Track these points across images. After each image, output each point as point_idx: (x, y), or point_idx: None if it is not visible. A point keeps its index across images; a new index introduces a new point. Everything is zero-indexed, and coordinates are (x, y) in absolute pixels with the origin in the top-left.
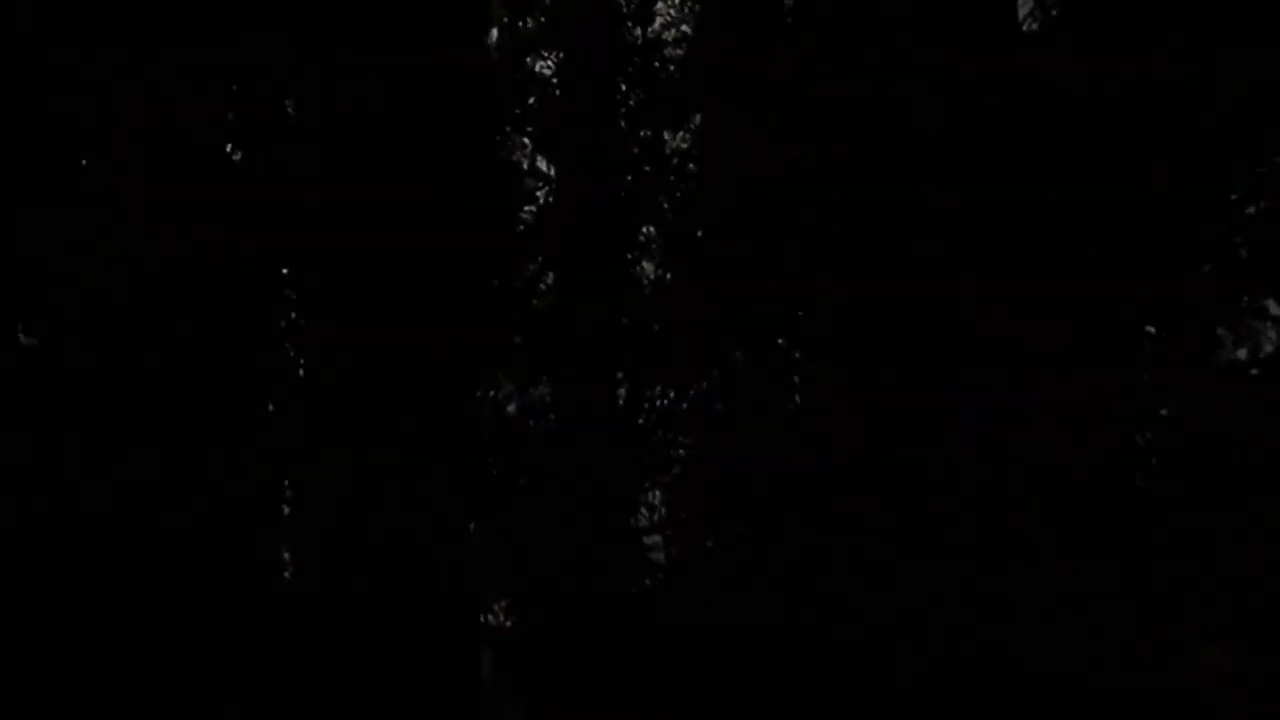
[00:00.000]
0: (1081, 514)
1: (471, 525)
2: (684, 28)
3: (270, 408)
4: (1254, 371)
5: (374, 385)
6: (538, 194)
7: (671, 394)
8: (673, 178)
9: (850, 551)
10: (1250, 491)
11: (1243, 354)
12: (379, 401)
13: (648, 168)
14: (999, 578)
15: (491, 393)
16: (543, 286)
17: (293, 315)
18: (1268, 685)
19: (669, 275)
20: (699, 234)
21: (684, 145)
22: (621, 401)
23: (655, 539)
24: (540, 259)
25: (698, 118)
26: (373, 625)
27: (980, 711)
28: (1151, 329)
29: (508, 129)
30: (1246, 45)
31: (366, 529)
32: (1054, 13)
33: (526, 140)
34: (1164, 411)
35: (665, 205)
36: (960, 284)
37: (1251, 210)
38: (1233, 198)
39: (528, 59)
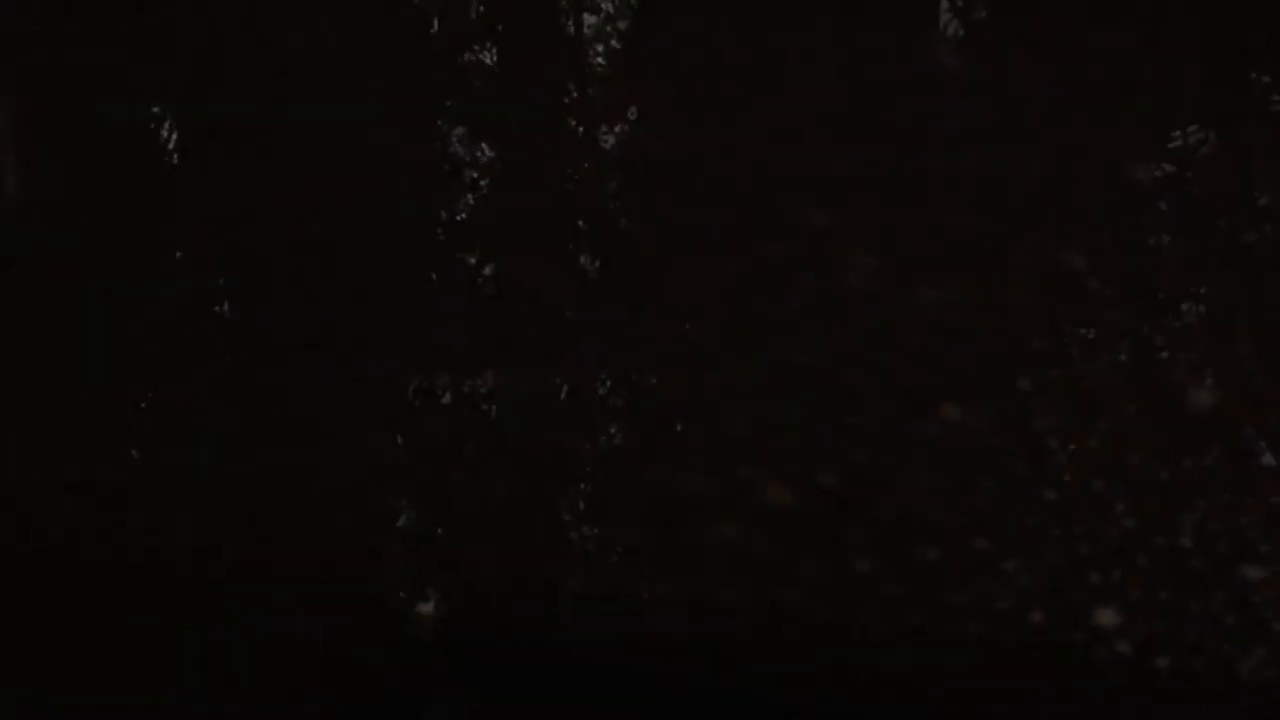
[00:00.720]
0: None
1: (401, 517)
2: (621, 24)
3: None
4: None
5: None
6: (480, 184)
7: (607, 384)
8: (609, 171)
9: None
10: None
11: None
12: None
13: (586, 161)
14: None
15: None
16: (482, 278)
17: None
18: (1154, 642)
19: (603, 267)
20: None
21: (622, 140)
22: (562, 395)
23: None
24: (480, 250)
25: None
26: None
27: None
28: None
29: (443, 122)
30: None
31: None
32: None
33: (465, 131)
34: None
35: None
36: None
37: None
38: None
39: (464, 53)
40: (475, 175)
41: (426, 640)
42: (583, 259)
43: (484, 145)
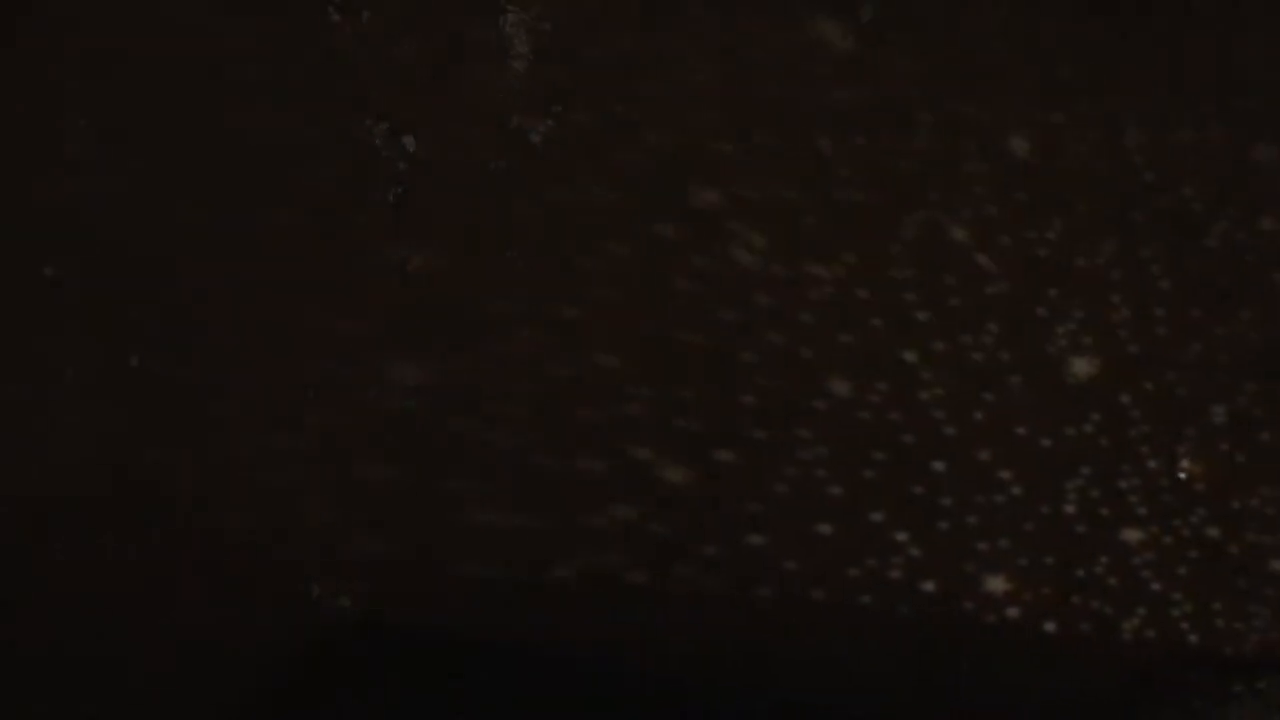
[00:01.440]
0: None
1: (313, 511)
2: (545, 25)
3: None
4: None
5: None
6: (403, 179)
7: (516, 373)
8: (539, 165)
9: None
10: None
11: None
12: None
13: (516, 154)
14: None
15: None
16: (404, 274)
17: None
18: (1041, 606)
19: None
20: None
21: (551, 133)
22: (470, 384)
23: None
24: (410, 240)
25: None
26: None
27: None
28: None
29: (371, 119)
30: None
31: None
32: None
33: (388, 124)
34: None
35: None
36: None
37: None
38: None
39: (389, 45)
40: (398, 171)
41: (341, 634)
42: (506, 253)
43: (405, 142)
